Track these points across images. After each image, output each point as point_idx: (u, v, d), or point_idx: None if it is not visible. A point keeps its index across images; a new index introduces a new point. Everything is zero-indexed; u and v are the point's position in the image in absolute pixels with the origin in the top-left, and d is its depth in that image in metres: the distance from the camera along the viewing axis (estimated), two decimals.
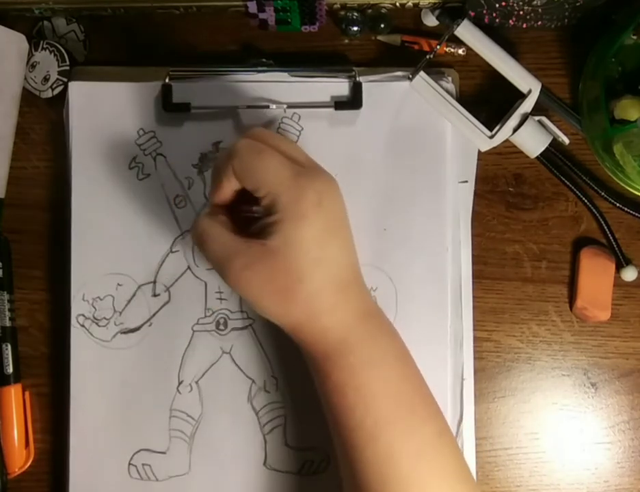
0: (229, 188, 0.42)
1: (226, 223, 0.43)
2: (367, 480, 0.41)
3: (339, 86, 0.51)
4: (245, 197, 0.43)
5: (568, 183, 0.52)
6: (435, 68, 0.51)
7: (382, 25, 0.51)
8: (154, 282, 0.50)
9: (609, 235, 0.52)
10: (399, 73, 0.51)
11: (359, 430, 0.41)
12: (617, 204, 0.51)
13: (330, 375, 0.41)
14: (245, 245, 0.41)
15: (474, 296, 0.51)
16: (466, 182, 0.51)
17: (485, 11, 0.50)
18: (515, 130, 0.50)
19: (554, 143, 0.51)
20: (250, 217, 0.44)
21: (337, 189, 0.42)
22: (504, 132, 0.50)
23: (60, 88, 0.51)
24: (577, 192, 0.52)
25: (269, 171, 0.40)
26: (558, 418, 0.52)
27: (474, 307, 0.51)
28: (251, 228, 0.42)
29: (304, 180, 0.40)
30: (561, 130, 0.50)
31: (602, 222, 0.52)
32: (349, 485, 0.42)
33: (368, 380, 0.41)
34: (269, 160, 0.41)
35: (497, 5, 0.48)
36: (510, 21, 0.51)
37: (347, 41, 0.52)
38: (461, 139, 0.51)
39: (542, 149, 0.50)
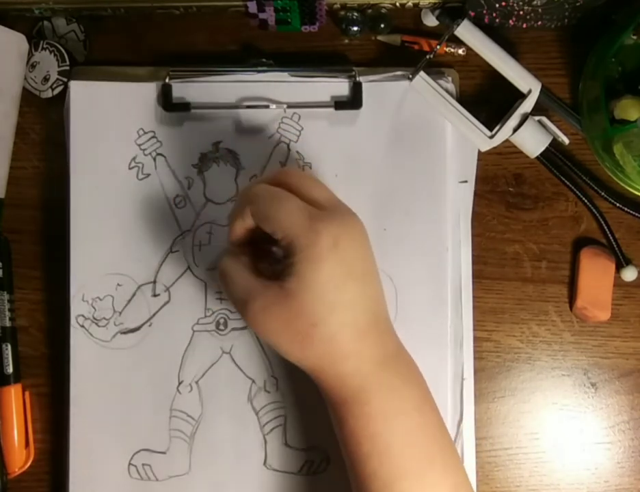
0: (244, 228, 0.43)
1: (247, 263, 0.43)
2: None
3: (339, 86, 0.51)
4: (267, 235, 0.43)
5: (568, 183, 0.52)
6: (435, 68, 0.51)
7: (382, 25, 0.51)
8: (154, 282, 0.50)
9: (609, 235, 0.52)
10: (399, 73, 0.51)
11: (373, 480, 0.40)
12: (617, 204, 0.51)
13: (347, 422, 0.41)
14: (263, 287, 0.41)
15: (474, 296, 0.51)
16: (466, 182, 0.51)
17: (485, 11, 0.50)
18: (515, 130, 0.50)
19: (554, 143, 0.51)
20: (273, 255, 0.44)
21: (357, 231, 0.42)
22: (504, 132, 0.50)
23: (60, 88, 0.51)
24: (577, 192, 0.52)
25: (286, 216, 0.40)
26: (558, 418, 0.52)
27: (474, 307, 0.51)
28: (274, 268, 0.42)
29: (320, 224, 0.40)
30: (561, 130, 0.50)
31: (602, 222, 0.52)
32: None
33: (384, 431, 0.40)
34: (286, 205, 0.41)
35: (497, 5, 0.48)
36: (510, 21, 0.51)
37: (347, 41, 0.52)
38: (461, 139, 0.51)
39: (542, 149, 0.50)
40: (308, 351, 0.40)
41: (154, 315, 0.50)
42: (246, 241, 0.44)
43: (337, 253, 0.40)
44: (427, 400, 0.43)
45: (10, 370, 0.50)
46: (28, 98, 0.52)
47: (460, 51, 0.51)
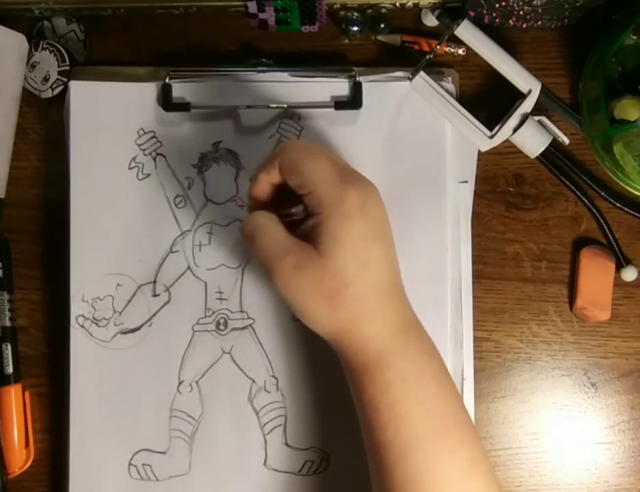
0: (268, 182, 0.42)
1: (278, 222, 0.42)
2: None
3: (339, 86, 0.51)
4: (283, 201, 0.42)
5: (568, 183, 0.52)
6: (435, 68, 0.51)
7: (382, 25, 0.51)
8: (154, 282, 0.50)
9: (609, 235, 0.52)
10: (399, 73, 0.51)
11: (389, 449, 0.40)
12: (617, 204, 0.51)
13: (366, 389, 0.41)
14: (298, 245, 0.40)
15: (474, 296, 0.51)
16: (466, 182, 0.51)
17: (485, 11, 0.50)
18: (515, 130, 0.50)
19: (554, 143, 0.51)
20: (290, 222, 0.43)
21: (379, 196, 0.42)
22: (504, 132, 0.50)
23: (60, 88, 0.51)
24: (577, 192, 0.52)
25: (315, 168, 0.40)
26: (558, 418, 0.52)
27: (474, 307, 0.51)
28: (296, 232, 0.42)
29: (349, 182, 0.40)
30: (561, 130, 0.50)
31: (602, 222, 0.52)
32: None
33: (402, 399, 0.40)
34: (316, 158, 0.41)
35: (497, 5, 0.48)
36: (510, 21, 0.51)
37: (347, 41, 0.52)
38: (461, 139, 0.51)
39: (542, 149, 0.50)
40: (337, 312, 0.40)
41: (154, 315, 0.50)
42: (265, 200, 0.43)
43: (364, 213, 0.40)
44: (445, 373, 0.42)
45: (10, 370, 0.50)
46: (28, 98, 0.52)
47: (460, 51, 0.51)
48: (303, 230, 0.41)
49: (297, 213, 0.42)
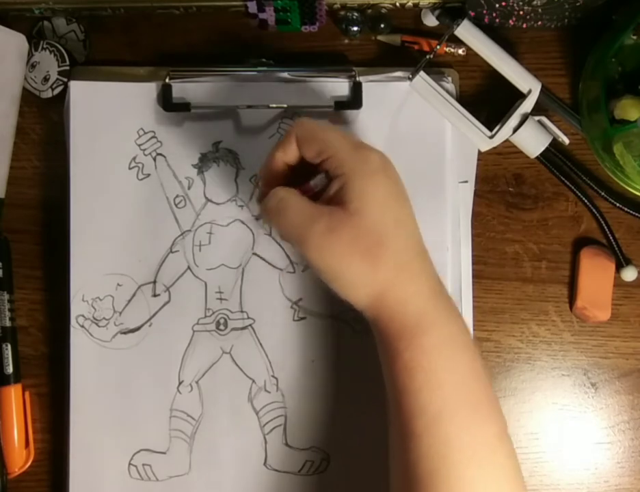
0: (283, 160, 0.42)
1: (300, 194, 0.42)
2: (418, 473, 0.40)
3: (339, 86, 0.51)
4: (296, 181, 0.42)
5: (568, 183, 0.52)
6: (435, 68, 0.51)
7: (382, 25, 0.51)
8: (154, 282, 0.50)
9: (609, 235, 0.52)
10: (399, 73, 0.51)
11: (420, 417, 0.40)
12: (617, 204, 0.51)
13: (402, 354, 0.40)
14: (326, 210, 0.40)
15: (474, 296, 0.51)
16: (466, 182, 0.51)
17: (485, 11, 0.50)
18: (515, 130, 0.50)
19: (554, 143, 0.51)
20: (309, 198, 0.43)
21: (392, 163, 0.42)
22: (504, 132, 0.50)
23: (60, 88, 0.51)
24: (577, 192, 0.52)
25: (332, 135, 0.41)
26: (558, 418, 0.52)
27: (474, 307, 0.51)
28: (318, 202, 0.41)
29: (366, 148, 0.41)
30: (561, 130, 0.50)
31: (602, 222, 0.52)
32: (397, 480, 0.42)
33: (438, 366, 0.40)
34: (331, 130, 0.42)
35: (497, 5, 0.48)
36: (510, 21, 0.51)
37: (347, 41, 0.52)
38: (461, 139, 0.51)
39: (542, 149, 0.50)
40: (377, 269, 0.39)
41: (154, 315, 0.50)
42: (279, 183, 0.43)
43: (387, 174, 0.41)
44: (474, 344, 0.42)
45: (10, 370, 0.50)
46: (28, 98, 0.52)
47: (460, 51, 0.51)
48: (327, 197, 0.41)
49: (317, 184, 0.42)
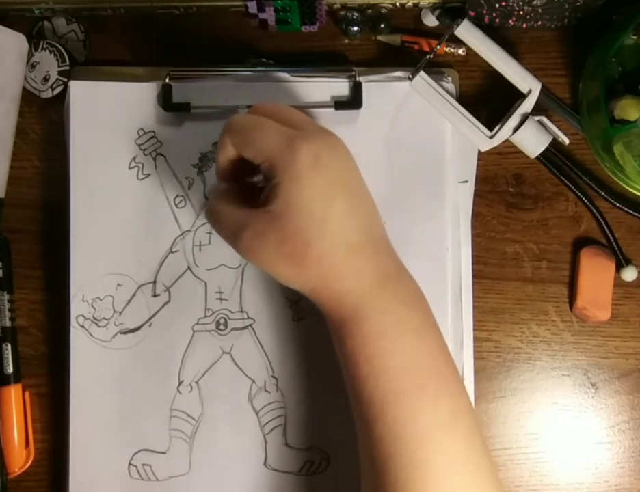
0: (227, 159, 0.43)
1: (234, 199, 0.43)
2: (376, 457, 0.40)
3: (339, 86, 0.51)
4: (249, 169, 0.43)
5: (568, 183, 0.52)
6: (435, 68, 0.51)
7: (382, 25, 0.51)
8: (154, 282, 0.50)
9: (609, 235, 0.52)
10: (399, 73, 0.51)
11: (370, 404, 0.40)
12: (617, 204, 0.51)
13: (345, 343, 0.41)
14: (251, 216, 0.41)
15: (474, 296, 0.51)
16: (466, 182, 0.51)
17: (485, 11, 0.50)
18: (515, 130, 0.50)
19: (554, 143, 0.51)
20: (257, 188, 0.44)
21: (339, 148, 0.42)
22: (504, 132, 0.50)
23: (60, 88, 0.51)
24: (577, 192, 0.52)
25: (264, 138, 0.41)
26: (558, 418, 0.52)
27: (474, 307, 0.51)
28: (260, 198, 0.42)
29: (298, 142, 0.40)
30: (561, 130, 0.50)
31: (602, 222, 0.52)
32: (364, 464, 0.42)
33: (380, 352, 0.40)
34: (263, 128, 0.41)
35: (497, 5, 0.48)
36: (510, 21, 0.51)
37: (347, 41, 0.52)
38: (461, 139, 0.51)
39: (542, 149, 0.50)
40: (305, 271, 0.40)
41: (154, 315, 0.50)
42: (232, 175, 0.44)
43: (318, 170, 0.40)
44: (427, 325, 0.42)
45: (10, 370, 0.50)
46: (28, 98, 0.52)
47: (460, 51, 0.51)
48: (263, 197, 0.41)
49: (259, 181, 0.43)
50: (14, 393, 0.50)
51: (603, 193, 0.51)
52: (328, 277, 0.40)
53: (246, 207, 0.42)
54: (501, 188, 0.52)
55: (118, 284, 0.50)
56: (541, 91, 0.50)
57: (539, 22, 0.51)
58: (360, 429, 0.42)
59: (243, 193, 0.44)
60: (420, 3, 0.51)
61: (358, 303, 0.40)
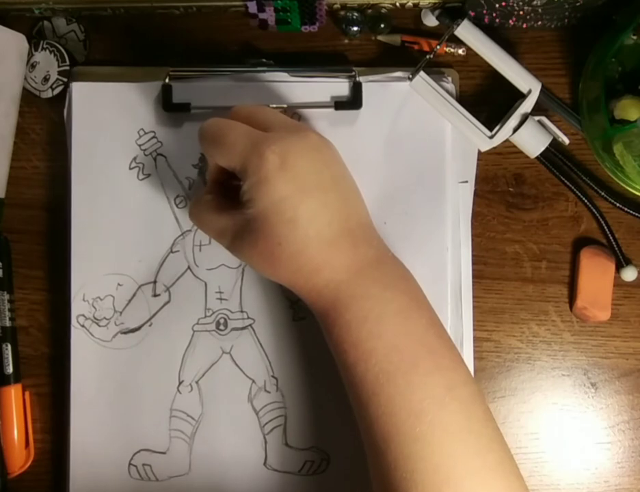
0: (214, 170, 0.45)
1: (213, 203, 0.45)
2: (376, 439, 0.40)
3: (339, 86, 0.51)
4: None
5: (568, 183, 0.52)
6: (435, 68, 0.51)
7: (382, 25, 0.51)
8: (155, 282, 0.50)
9: (609, 235, 0.52)
10: (399, 73, 0.51)
11: (362, 387, 0.41)
12: (617, 204, 0.51)
13: (332, 332, 0.42)
14: (231, 220, 0.43)
15: (474, 296, 0.51)
16: (466, 182, 0.51)
17: (485, 11, 0.50)
18: (515, 130, 0.50)
19: (554, 143, 0.51)
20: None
21: (308, 145, 0.42)
22: (504, 132, 0.50)
23: (60, 88, 0.51)
24: (577, 192, 0.52)
25: (231, 146, 0.42)
26: (558, 418, 0.52)
27: (474, 307, 0.51)
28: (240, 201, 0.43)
29: (263, 146, 0.41)
30: (561, 130, 0.50)
31: (602, 222, 0.52)
32: (367, 450, 0.42)
33: (367, 336, 0.41)
34: (229, 135, 0.42)
35: (497, 5, 0.48)
36: (510, 21, 0.51)
37: (347, 41, 0.52)
38: (461, 139, 0.51)
39: (542, 149, 0.50)
40: (279, 270, 0.42)
41: (154, 315, 0.50)
42: (223, 180, 0.46)
43: (285, 170, 0.41)
44: (415, 305, 0.43)
45: (10, 370, 0.50)
46: (28, 98, 0.52)
47: (460, 51, 0.51)
48: (240, 200, 0.43)
49: (238, 184, 0.44)
50: (14, 393, 0.50)
51: (603, 193, 0.51)
52: (305, 272, 0.42)
53: (228, 211, 0.43)
54: (501, 188, 0.52)
55: (119, 284, 0.50)
56: (541, 91, 0.50)
57: (539, 22, 0.51)
58: (358, 414, 0.42)
59: (228, 197, 0.45)
60: (420, 3, 0.51)
61: (337, 292, 0.41)
